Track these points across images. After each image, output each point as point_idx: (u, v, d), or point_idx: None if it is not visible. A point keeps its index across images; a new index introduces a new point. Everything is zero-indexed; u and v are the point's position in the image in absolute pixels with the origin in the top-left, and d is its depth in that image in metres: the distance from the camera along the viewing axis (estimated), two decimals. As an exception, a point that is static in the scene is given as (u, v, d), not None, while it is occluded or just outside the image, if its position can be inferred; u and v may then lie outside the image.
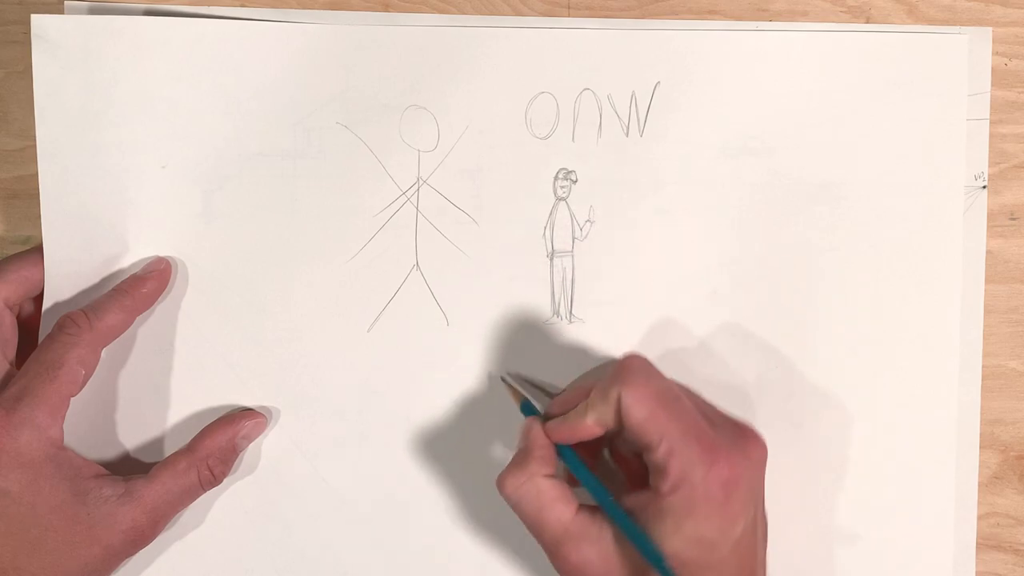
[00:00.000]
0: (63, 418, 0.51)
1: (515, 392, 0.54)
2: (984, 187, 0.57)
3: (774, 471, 0.56)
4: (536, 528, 0.49)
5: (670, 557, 0.46)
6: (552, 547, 0.48)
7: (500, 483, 0.49)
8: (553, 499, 0.48)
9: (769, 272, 0.56)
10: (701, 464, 0.46)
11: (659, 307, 0.56)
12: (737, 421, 0.50)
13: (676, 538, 0.46)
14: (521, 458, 0.50)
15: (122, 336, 0.54)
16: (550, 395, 0.55)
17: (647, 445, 0.47)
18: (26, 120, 0.56)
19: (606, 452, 0.53)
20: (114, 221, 0.55)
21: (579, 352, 0.56)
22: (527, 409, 0.53)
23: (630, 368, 0.49)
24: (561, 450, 0.50)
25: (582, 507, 0.49)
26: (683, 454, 0.46)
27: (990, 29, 0.57)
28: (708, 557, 0.47)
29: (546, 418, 0.51)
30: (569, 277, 0.56)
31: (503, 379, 0.55)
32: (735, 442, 0.49)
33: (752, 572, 0.49)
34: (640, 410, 0.47)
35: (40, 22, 0.54)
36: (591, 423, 0.49)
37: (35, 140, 0.54)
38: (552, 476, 0.49)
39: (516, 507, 0.49)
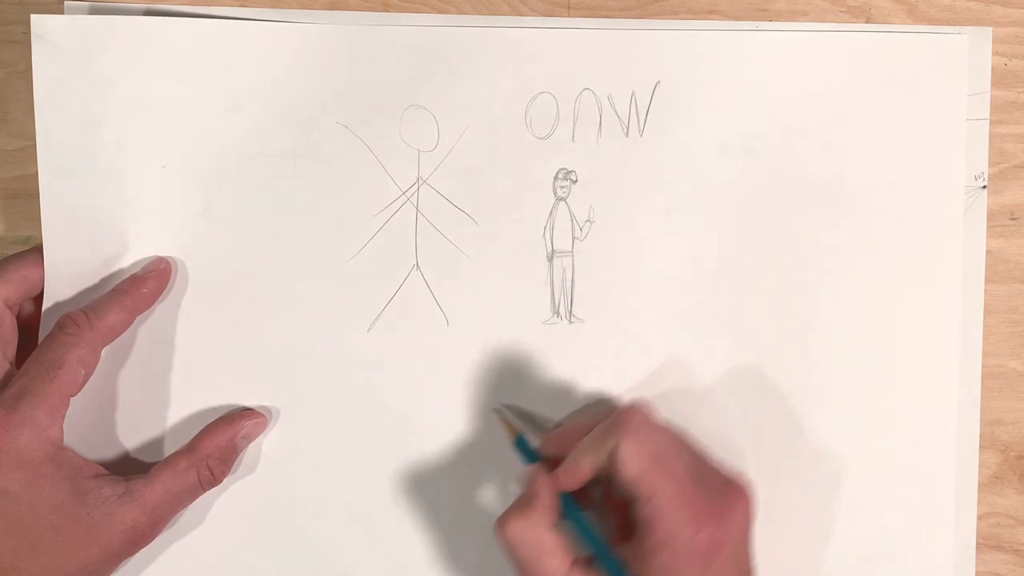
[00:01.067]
0: (63, 418, 0.51)
1: (508, 427, 0.54)
2: (984, 187, 0.57)
3: (774, 470, 0.56)
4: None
5: None
6: None
7: (501, 526, 0.49)
8: (552, 549, 0.48)
9: (769, 272, 0.56)
10: (687, 528, 0.47)
11: (659, 307, 0.56)
12: (728, 476, 0.50)
13: None
14: (524, 504, 0.49)
15: (122, 336, 0.54)
16: (543, 428, 0.55)
17: (637, 498, 0.48)
18: (26, 120, 0.56)
19: (597, 494, 0.53)
20: (114, 221, 0.55)
21: (579, 352, 0.56)
22: (521, 444, 0.53)
23: (630, 422, 0.49)
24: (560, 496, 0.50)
25: (577, 561, 0.48)
26: (670, 516, 0.47)
27: (990, 29, 0.57)
28: None
29: (541, 456, 0.52)
30: (569, 277, 0.56)
31: (495, 410, 0.55)
32: (723, 502, 0.49)
33: None
34: (635, 466, 0.48)
35: (40, 22, 0.54)
36: (585, 467, 0.49)
37: (35, 140, 0.54)
38: (553, 526, 0.49)
39: (513, 552, 0.49)
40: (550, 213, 0.56)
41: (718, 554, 0.47)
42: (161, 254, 0.55)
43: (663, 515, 0.47)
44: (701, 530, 0.47)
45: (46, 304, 0.55)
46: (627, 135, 0.56)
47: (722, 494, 0.49)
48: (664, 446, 0.49)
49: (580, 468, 0.49)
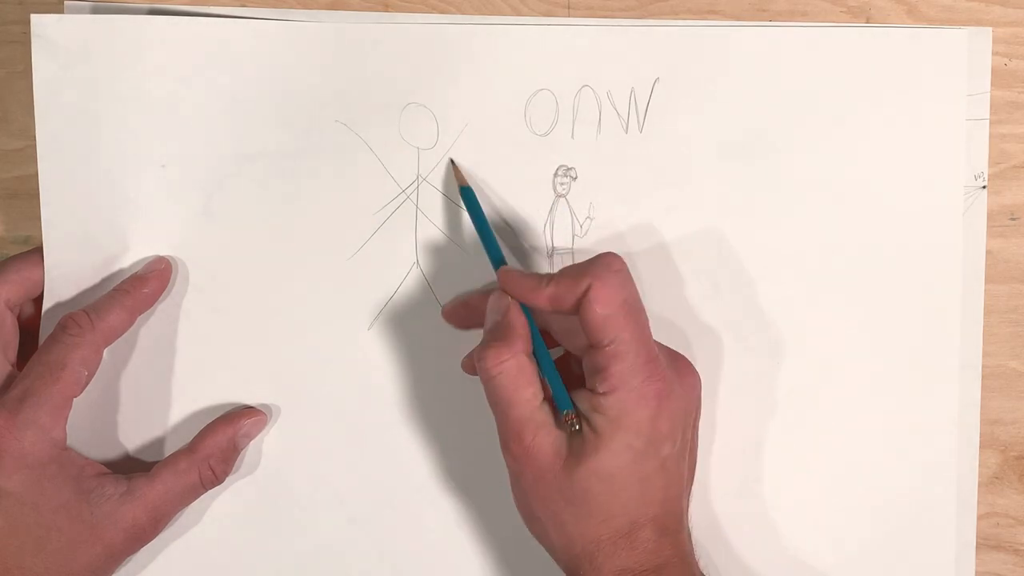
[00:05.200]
0: (66, 419, 0.51)
1: (459, 175, 0.53)
2: (984, 187, 0.57)
3: (774, 469, 0.56)
4: (505, 405, 0.49)
5: (597, 464, 0.48)
6: (515, 425, 0.49)
7: (482, 356, 0.49)
8: (530, 380, 0.49)
9: (768, 270, 0.56)
10: (641, 372, 0.48)
11: (658, 304, 0.56)
12: (675, 352, 0.52)
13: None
14: (504, 333, 0.50)
15: (123, 336, 0.54)
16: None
17: (597, 342, 0.48)
18: (26, 120, 0.56)
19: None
20: (114, 221, 0.55)
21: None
22: (467, 195, 0.53)
23: (609, 266, 0.49)
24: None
25: (547, 398, 0.50)
26: (627, 359, 0.48)
27: (990, 29, 0.57)
28: (634, 468, 0.48)
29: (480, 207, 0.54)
30: (569, 275, 0.56)
31: (452, 160, 0.54)
32: (675, 366, 0.51)
33: (678, 498, 0.50)
34: (605, 307, 0.48)
35: (40, 22, 0.54)
36: (547, 295, 0.49)
37: (35, 140, 0.54)
38: (531, 355, 0.50)
39: (492, 381, 0.49)
40: (550, 210, 0.56)
41: (666, 405, 0.48)
42: (161, 254, 0.55)
43: (620, 357, 0.48)
44: (652, 377, 0.48)
45: (46, 304, 0.55)
46: (627, 132, 0.56)
47: (675, 360, 0.51)
48: (633, 298, 0.50)
49: (540, 287, 0.50)
